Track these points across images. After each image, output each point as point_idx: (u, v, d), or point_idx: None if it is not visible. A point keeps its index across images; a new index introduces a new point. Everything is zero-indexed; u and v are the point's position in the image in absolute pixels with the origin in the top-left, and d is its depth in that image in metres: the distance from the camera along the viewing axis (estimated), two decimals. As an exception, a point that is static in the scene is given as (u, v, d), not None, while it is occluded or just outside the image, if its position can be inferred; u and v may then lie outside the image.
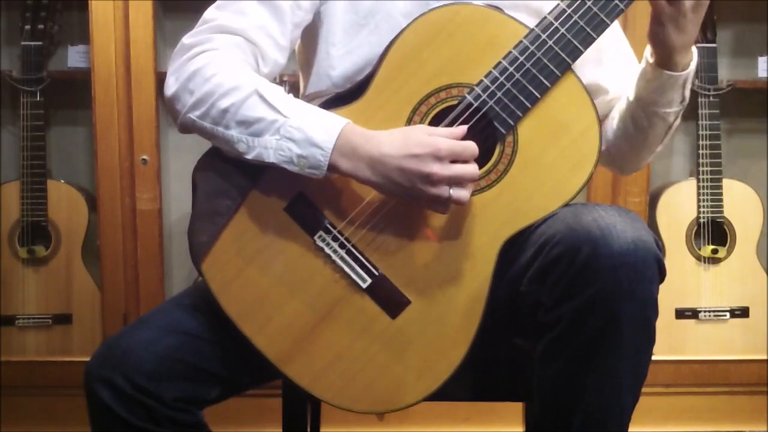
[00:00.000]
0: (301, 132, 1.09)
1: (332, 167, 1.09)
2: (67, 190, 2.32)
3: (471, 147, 1.08)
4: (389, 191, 1.10)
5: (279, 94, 1.13)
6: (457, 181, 1.07)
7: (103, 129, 2.21)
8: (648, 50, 1.20)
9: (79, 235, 2.31)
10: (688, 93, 1.24)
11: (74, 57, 2.40)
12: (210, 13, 1.23)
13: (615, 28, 1.13)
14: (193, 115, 1.15)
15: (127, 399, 1.11)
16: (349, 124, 1.10)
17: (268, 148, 1.10)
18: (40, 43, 2.28)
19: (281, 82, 2.27)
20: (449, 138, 1.09)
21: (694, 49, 1.20)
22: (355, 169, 1.09)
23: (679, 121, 1.27)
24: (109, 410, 1.12)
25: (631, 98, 1.25)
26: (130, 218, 2.24)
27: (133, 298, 2.26)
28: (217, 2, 1.24)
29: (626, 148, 1.30)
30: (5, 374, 2.22)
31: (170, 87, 1.18)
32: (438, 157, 1.06)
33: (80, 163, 2.49)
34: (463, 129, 1.11)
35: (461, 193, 1.08)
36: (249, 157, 1.11)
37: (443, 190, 1.07)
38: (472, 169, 1.08)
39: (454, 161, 1.07)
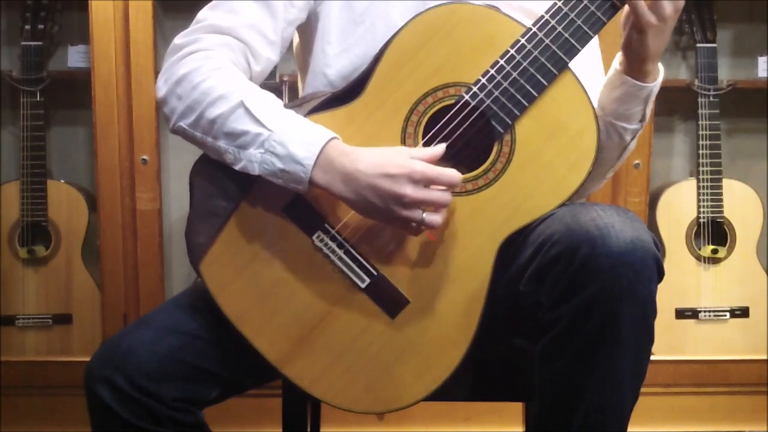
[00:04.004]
0: (284, 147, 1.09)
1: (311, 181, 1.09)
2: (67, 190, 2.33)
3: (448, 174, 1.08)
4: (362, 209, 1.10)
5: (265, 106, 1.12)
6: (429, 206, 1.08)
7: (103, 129, 2.21)
8: (618, 58, 1.20)
9: (79, 235, 2.31)
10: (648, 112, 1.23)
11: (74, 57, 2.41)
12: (203, 13, 1.23)
13: (591, 41, 1.13)
14: (184, 124, 1.15)
15: (127, 399, 1.11)
16: (332, 140, 1.10)
17: (253, 162, 1.10)
18: (40, 43, 2.28)
19: (281, 83, 2.27)
20: (428, 159, 1.09)
21: (660, 66, 1.20)
22: (329, 183, 1.09)
23: (633, 144, 1.26)
24: (109, 410, 1.12)
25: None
26: (130, 218, 2.24)
27: (133, 298, 2.26)
28: (211, 2, 1.24)
29: None
30: (5, 374, 2.22)
31: (160, 89, 1.18)
32: (413, 180, 1.06)
33: (80, 163, 2.49)
34: (441, 147, 1.11)
35: (434, 218, 1.08)
36: (236, 167, 1.12)
37: (416, 214, 1.07)
38: (445, 196, 1.08)
39: (429, 185, 1.07)
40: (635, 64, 1.17)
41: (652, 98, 1.21)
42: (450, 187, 1.09)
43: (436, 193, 1.08)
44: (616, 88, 1.19)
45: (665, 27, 1.13)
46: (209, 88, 1.13)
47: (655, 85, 1.19)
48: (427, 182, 1.07)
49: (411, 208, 1.07)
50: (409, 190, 1.06)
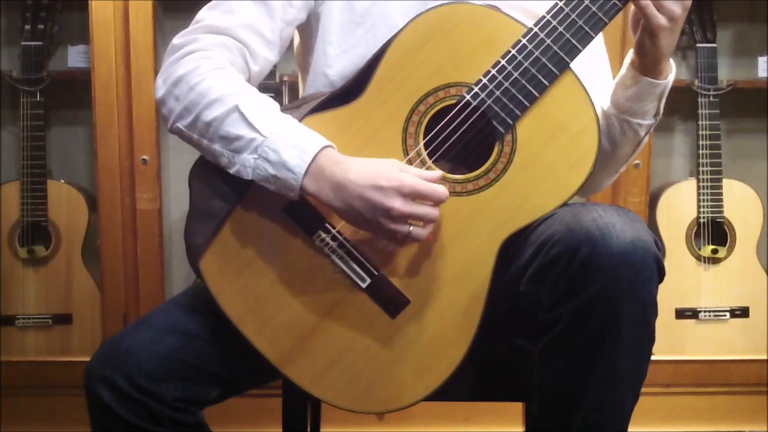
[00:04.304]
0: (276, 154, 1.09)
1: (301, 188, 1.09)
2: (67, 190, 2.32)
3: (437, 191, 1.08)
4: (350, 218, 1.11)
5: (260, 111, 1.12)
6: (417, 220, 1.08)
7: (103, 129, 2.21)
8: (629, 56, 1.20)
9: (79, 235, 2.31)
10: (662, 107, 1.24)
11: (74, 57, 2.40)
12: (201, 13, 1.24)
13: (596, 40, 1.14)
14: (181, 125, 1.16)
15: (127, 399, 1.11)
16: (325, 148, 1.10)
17: (247, 166, 1.11)
18: (40, 43, 2.28)
19: (281, 83, 2.27)
20: (421, 178, 1.09)
21: (672, 63, 1.20)
22: (318, 191, 1.09)
23: (647, 139, 1.27)
24: (109, 410, 1.12)
25: (606, 107, 1.25)
26: (130, 218, 2.24)
27: (133, 298, 2.26)
28: (210, 2, 1.24)
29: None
30: (5, 374, 2.22)
31: (158, 89, 1.19)
32: (402, 194, 1.06)
33: (80, 163, 2.49)
34: (437, 173, 1.11)
35: (420, 232, 1.09)
36: (231, 171, 1.12)
37: (403, 228, 1.08)
38: (433, 211, 1.08)
39: (418, 200, 1.07)
40: (649, 65, 1.17)
41: (666, 93, 1.22)
42: (438, 203, 1.09)
43: (424, 209, 1.08)
44: (630, 86, 1.20)
45: (676, 27, 1.13)
46: (206, 89, 1.13)
47: (669, 81, 1.20)
48: (415, 196, 1.07)
49: (398, 221, 1.07)
50: (398, 204, 1.06)
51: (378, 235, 1.12)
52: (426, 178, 1.09)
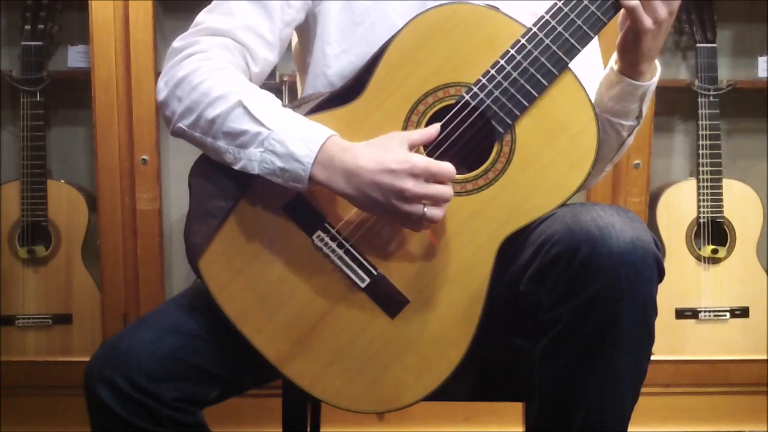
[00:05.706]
0: (283, 146, 1.09)
1: (311, 178, 1.09)
2: (67, 190, 2.33)
3: (447, 168, 1.08)
4: (364, 205, 1.10)
5: (263, 105, 1.12)
6: (431, 200, 1.08)
7: (103, 129, 2.21)
8: (614, 57, 1.20)
9: (79, 235, 2.31)
10: (645, 109, 1.23)
11: (74, 57, 2.41)
12: (200, 16, 1.24)
13: (592, 41, 1.14)
14: (184, 125, 1.16)
15: (126, 399, 1.11)
16: (332, 137, 1.10)
17: (253, 161, 1.11)
18: (40, 43, 2.28)
19: (281, 83, 2.27)
20: (424, 138, 1.09)
21: (657, 65, 1.20)
22: (329, 180, 1.09)
23: (631, 139, 1.27)
24: (109, 410, 1.12)
25: None
26: (130, 218, 2.24)
27: (133, 298, 2.26)
28: (209, 5, 1.25)
29: None
30: (5, 374, 2.22)
31: (160, 91, 1.19)
32: (413, 175, 1.06)
33: (80, 163, 2.49)
34: (435, 127, 1.11)
35: (435, 212, 1.08)
36: (236, 167, 1.12)
37: (417, 208, 1.07)
38: (446, 189, 1.08)
39: (429, 180, 1.07)
40: (631, 65, 1.17)
41: (649, 96, 1.22)
42: (448, 180, 1.09)
43: (437, 187, 1.08)
44: (613, 86, 1.20)
45: (661, 30, 1.13)
46: (208, 88, 1.14)
47: (651, 83, 1.20)
48: (427, 177, 1.07)
49: (412, 202, 1.07)
50: (410, 185, 1.06)
51: (393, 220, 1.12)
52: (428, 135, 1.10)
